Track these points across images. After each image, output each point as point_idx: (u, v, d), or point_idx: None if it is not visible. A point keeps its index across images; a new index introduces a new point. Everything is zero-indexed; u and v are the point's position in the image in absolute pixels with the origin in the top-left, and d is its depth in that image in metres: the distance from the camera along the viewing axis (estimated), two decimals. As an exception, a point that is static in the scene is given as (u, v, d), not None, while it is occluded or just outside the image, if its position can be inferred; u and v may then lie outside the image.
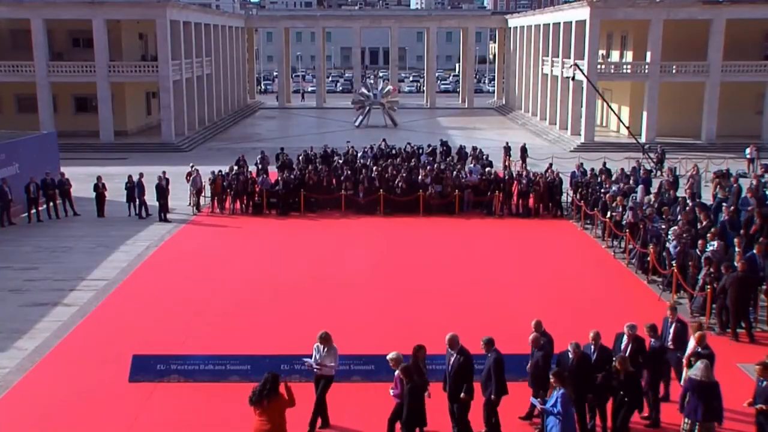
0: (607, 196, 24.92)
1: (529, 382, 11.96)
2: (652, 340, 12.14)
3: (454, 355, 11.28)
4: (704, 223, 20.59)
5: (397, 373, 10.83)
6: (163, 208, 27.04)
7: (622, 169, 29.29)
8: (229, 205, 28.35)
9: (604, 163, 30.54)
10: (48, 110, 45.07)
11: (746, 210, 22.46)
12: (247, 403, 9.92)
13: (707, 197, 27.50)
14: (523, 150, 37.51)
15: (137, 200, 27.32)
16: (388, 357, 11.10)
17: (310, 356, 11.86)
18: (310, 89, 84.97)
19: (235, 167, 29.87)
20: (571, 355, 11.40)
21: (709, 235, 18.89)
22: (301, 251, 22.88)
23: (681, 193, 26.59)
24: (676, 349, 12.72)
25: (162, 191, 26.94)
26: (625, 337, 12.05)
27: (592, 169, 29.32)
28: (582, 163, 30.93)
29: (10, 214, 26.03)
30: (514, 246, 23.78)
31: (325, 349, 11.70)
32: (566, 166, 32.88)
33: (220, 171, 28.75)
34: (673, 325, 12.93)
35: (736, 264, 16.40)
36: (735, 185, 25.84)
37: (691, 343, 12.28)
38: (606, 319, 16.87)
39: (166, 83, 45.25)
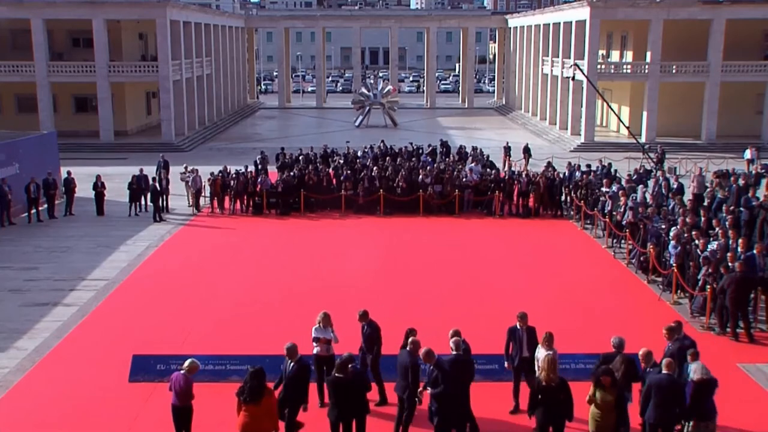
0: (608, 195, 24.91)
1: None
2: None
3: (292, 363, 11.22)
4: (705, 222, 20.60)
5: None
6: (157, 208, 27.01)
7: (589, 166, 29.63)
8: (229, 205, 28.35)
9: (569, 163, 31.03)
10: (48, 110, 45.09)
11: (749, 209, 22.42)
12: (240, 402, 10.11)
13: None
14: (526, 150, 37.53)
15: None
16: None
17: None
18: (310, 89, 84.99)
19: (250, 167, 30.16)
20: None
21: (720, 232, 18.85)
22: (301, 251, 22.87)
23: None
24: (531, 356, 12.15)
25: (158, 192, 26.95)
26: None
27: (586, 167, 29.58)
28: (551, 163, 31.19)
29: (10, 214, 26.04)
30: (514, 246, 23.78)
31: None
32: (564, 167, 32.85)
33: (221, 171, 28.76)
34: (525, 334, 12.37)
35: (730, 263, 16.38)
36: (735, 185, 25.80)
37: (539, 352, 11.76)
38: (606, 319, 16.93)
39: (166, 83, 45.27)
